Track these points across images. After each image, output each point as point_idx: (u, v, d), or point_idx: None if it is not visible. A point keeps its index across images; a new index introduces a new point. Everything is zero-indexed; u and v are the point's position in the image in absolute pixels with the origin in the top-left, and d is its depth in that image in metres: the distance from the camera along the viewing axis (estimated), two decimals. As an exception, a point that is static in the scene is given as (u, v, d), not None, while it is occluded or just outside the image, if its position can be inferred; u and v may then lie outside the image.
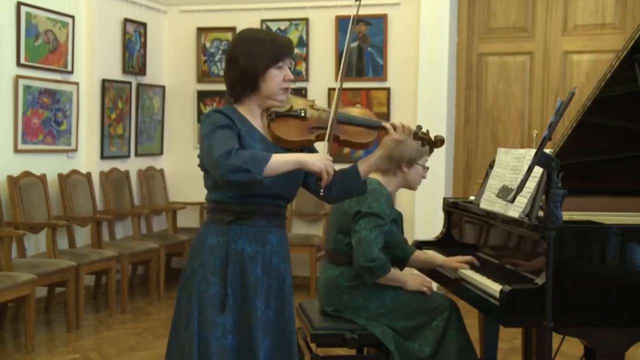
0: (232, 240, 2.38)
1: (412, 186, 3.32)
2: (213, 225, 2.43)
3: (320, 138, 2.44)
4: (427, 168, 3.34)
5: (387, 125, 2.50)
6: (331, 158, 2.34)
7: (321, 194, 2.38)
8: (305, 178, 2.51)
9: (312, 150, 2.54)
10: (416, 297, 3.18)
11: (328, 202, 2.62)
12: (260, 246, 2.41)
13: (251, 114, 2.44)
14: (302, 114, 2.46)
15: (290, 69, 2.47)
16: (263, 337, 2.38)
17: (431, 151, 2.83)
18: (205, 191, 2.49)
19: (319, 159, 2.30)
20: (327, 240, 3.32)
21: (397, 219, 3.26)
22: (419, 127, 2.62)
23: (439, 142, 2.66)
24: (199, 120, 6.64)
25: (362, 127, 2.52)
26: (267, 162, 2.23)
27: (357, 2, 2.58)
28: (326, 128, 2.43)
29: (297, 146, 2.46)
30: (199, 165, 2.42)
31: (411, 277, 3.20)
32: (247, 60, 2.38)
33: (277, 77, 2.40)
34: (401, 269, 3.45)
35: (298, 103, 2.51)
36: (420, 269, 3.58)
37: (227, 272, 2.37)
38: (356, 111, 2.59)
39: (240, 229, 2.39)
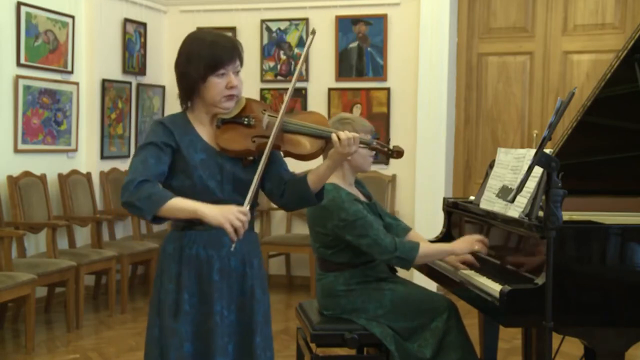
0: (186, 245, 2.35)
1: (362, 169, 3.19)
2: (172, 232, 2.41)
3: (261, 147, 2.32)
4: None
5: (333, 137, 2.34)
6: (245, 210, 2.18)
7: (231, 249, 2.21)
8: (262, 184, 2.43)
9: (274, 155, 2.40)
10: (415, 297, 3.16)
11: (285, 210, 2.56)
12: (216, 250, 2.35)
13: (199, 121, 2.38)
14: (246, 122, 2.36)
15: (238, 72, 2.35)
16: (228, 342, 2.34)
17: (387, 162, 2.65)
18: None
19: (221, 212, 2.15)
20: (312, 250, 3.30)
21: (371, 207, 3.19)
22: (375, 136, 2.50)
23: (395, 153, 2.47)
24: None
25: (307, 137, 2.37)
26: (162, 205, 2.17)
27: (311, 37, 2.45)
28: (269, 137, 2.30)
29: (240, 156, 2.35)
30: None
31: (457, 243, 3.09)
32: (185, 66, 2.33)
33: (218, 86, 2.31)
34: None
35: (249, 108, 2.39)
36: (420, 268, 3.58)
37: (181, 277, 2.34)
38: (309, 118, 2.43)
39: (194, 234, 2.35)
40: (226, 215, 2.15)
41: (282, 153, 2.42)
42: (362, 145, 2.40)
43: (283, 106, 2.31)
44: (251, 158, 2.37)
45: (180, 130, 2.34)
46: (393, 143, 2.52)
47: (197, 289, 2.35)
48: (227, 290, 2.36)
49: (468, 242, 3.09)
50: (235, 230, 2.14)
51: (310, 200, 2.43)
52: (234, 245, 2.19)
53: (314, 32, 2.46)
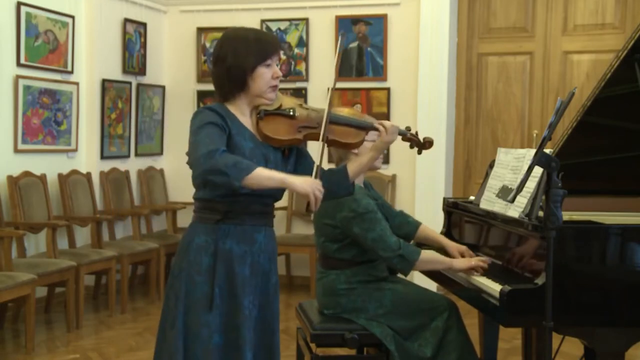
0: (220, 239, 2.38)
1: (374, 166, 3.15)
2: (201, 224, 2.42)
3: (308, 137, 2.44)
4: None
5: (379, 126, 2.50)
6: (319, 182, 2.30)
7: (311, 217, 2.37)
8: (295, 168, 2.52)
9: (301, 150, 2.55)
10: (415, 297, 3.17)
11: None
12: (249, 245, 2.40)
13: (241, 112, 2.44)
14: (291, 113, 2.46)
15: (278, 65, 2.46)
16: (252, 336, 2.39)
17: (419, 152, 2.76)
18: None
19: (307, 182, 2.27)
20: (316, 247, 3.30)
21: (379, 203, 3.21)
22: (408, 128, 2.62)
23: (427, 144, 2.65)
24: (199, 120, 6.63)
25: (351, 127, 2.51)
26: (250, 172, 2.20)
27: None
28: (315, 127, 2.43)
29: (285, 145, 2.45)
30: (187, 163, 2.38)
31: (457, 260, 3.09)
32: (234, 59, 2.37)
33: (265, 75, 2.39)
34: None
35: (287, 102, 2.50)
36: (422, 271, 3.58)
37: (215, 271, 2.36)
38: (345, 111, 2.59)
39: (228, 228, 2.39)
40: (312, 185, 2.25)
41: (327, 143, 2.49)
42: (399, 135, 2.56)
43: (329, 98, 2.44)
44: (287, 150, 2.49)
45: (229, 117, 2.39)
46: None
47: (227, 283, 2.38)
48: (255, 285, 2.41)
49: (467, 261, 3.08)
50: (316, 201, 2.26)
51: (345, 191, 2.55)
52: (312, 215, 2.32)
53: (343, 35, 2.65)
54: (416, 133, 2.66)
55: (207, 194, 2.39)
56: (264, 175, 2.23)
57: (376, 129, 2.56)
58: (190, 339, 2.36)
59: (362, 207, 3.02)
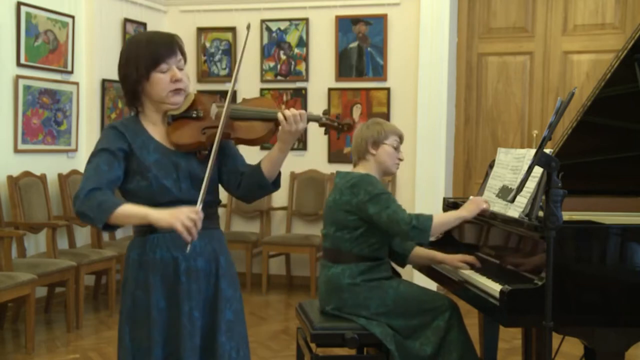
0: (149, 250, 2.31)
1: (388, 169, 3.28)
2: (135, 237, 2.38)
3: (211, 138, 2.31)
4: (398, 149, 3.27)
5: (279, 115, 2.33)
6: (197, 209, 2.13)
7: (185, 251, 2.16)
8: (220, 178, 2.44)
9: (225, 150, 2.41)
10: (417, 296, 3.18)
11: (242, 200, 2.52)
12: (180, 251, 2.29)
13: (151, 121, 2.37)
14: (194, 115, 2.34)
15: (182, 67, 2.33)
16: (195, 343, 2.31)
17: (338, 137, 2.63)
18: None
19: (171, 215, 2.11)
20: (324, 240, 3.31)
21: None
22: (325, 112, 2.45)
23: (345, 126, 2.45)
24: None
25: (254, 121, 2.37)
26: (112, 212, 2.15)
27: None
28: (217, 126, 2.30)
29: (193, 149, 2.34)
30: None
31: (467, 206, 3.10)
32: (126, 67, 2.31)
33: (162, 81, 2.28)
34: (402, 266, 3.46)
35: (199, 102, 2.38)
36: (420, 268, 3.59)
37: (149, 284, 2.31)
38: (257, 103, 2.43)
39: (156, 238, 2.32)
40: (176, 215, 2.11)
41: (233, 141, 2.42)
42: (310, 121, 2.39)
43: (229, 94, 2.31)
44: (205, 152, 2.36)
45: (132, 133, 2.32)
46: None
47: (164, 292, 2.31)
48: (196, 290, 2.33)
49: (476, 204, 3.08)
50: (189, 231, 2.09)
51: (266, 188, 2.42)
52: (188, 247, 2.13)
53: (248, 27, 2.43)
54: (337, 116, 2.47)
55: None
56: (126, 214, 2.16)
57: (277, 120, 2.36)
58: (137, 355, 2.32)
59: (378, 189, 3.09)
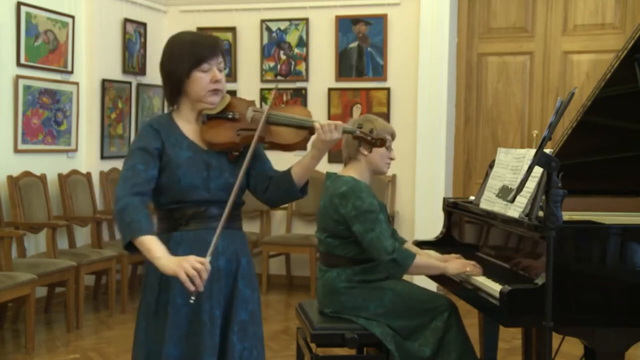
0: (172, 248, 2.32)
1: (379, 170, 3.23)
2: (158, 235, 2.36)
3: (245, 140, 2.36)
4: (390, 149, 3.22)
5: (315, 124, 2.39)
6: (204, 261, 2.15)
7: (191, 301, 2.19)
8: (247, 182, 2.46)
9: (256, 154, 2.44)
10: (416, 297, 3.17)
11: (268, 205, 2.55)
12: (203, 250, 2.28)
13: (186, 119, 2.41)
14: (231, 116, 2.40)
15: (221, 69, 2.40)
16: (214, 341, 2.32)
17: (370, 151, 2.66)
18: None
19: (176, 263, 2.14)
20: (318, 243, 3.30)
21: (381, 207, 3.20)
22: (359, 126, 2.50)
23: (378, 142, 2.51)
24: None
25: (290, 128, 2.42)
26: (136, 237, 2.21)
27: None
28: (253, 129, 2.36)
29: (225, 149, 2.38)
30: None
31: (450, 263, 3.09)
32: (169, 64, 2.37)
33: (202, 80, 2.35)
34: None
35: (233, 105, 2.44)
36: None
37: (169, 281, 2.32)
38: (292, 110, 2.49)
39: (180, 236, 2.35)
40: (181, 264, 2.14)
41: (266, 145, 2.45)
42: (345, 134, 2.44)
43: (269, 101, 2.35)
44: (236, 153, 2.41)
45: (166, 130, 2.37)
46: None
47: (185, 290, 2.30)
48: (217, 290, 2.35)
49: (461, 265, 3.07)
50: (192, 280, 2.12)
51: (294, 194, 2.46)
52: (192, 297, 2.15)
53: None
54: (370, 131, 2.52)
55: (157, 200, 2.37)
56: (144, 246, 2.22)
57: (312, 130, 2.43)
58: (152, 350, 2.34)
59: (365, 206, 3.03)
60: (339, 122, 2.40)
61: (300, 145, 2.43)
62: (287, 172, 2.45)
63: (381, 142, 2.51)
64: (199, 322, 2.32)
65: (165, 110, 7.69)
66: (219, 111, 2.41)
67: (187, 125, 2.41)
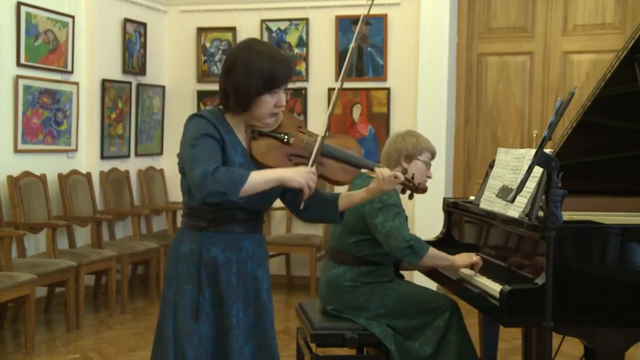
0: (204, 247, 2.34)
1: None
2: (187, 232, 2.40)
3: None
4: (430, 165, 3.30)
5: (377, 173, 2.44)
6: (314, 171, 2.29)
7: (300, 208, 2.33)
8: (283, 193, 2.47)
9: None
10: (417, 296, 3.18)
11: (302, 219, 2.58)
12: (235, 253, 2.36)
13: (236, 125, 2.39)
14: (285, 139, 2.37)
15: (286, 92, 2.41)
16: (243, 344, 2.35)
17: (410, 197, 2.71)
18: None
19: (300, 174, 2.26)
20: (330, 239, 3.31)
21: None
22: (404, 171, 2.54)
23: (421, 190, 2.58)
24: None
25: (344, 164, 2.43)
26: (245, 182, 2.19)
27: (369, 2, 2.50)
28: (306, 158, 2.35)
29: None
30: (179, 171, 2.38)
31: (458, 256, 3.15)
32: (243, 78, 2.29)
33: (269, 104, 2.32)
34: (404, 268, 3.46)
35: (286, 123, 2.41)
36: (420, 268, 3.59)
37: (200, 279, 2.34)
38: (346, 144, 2.50)
39: (213, 236, 2.36)
40: (304, 176, 2.27)
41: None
42: (398, 185, 2.53)
43: (324, 130, 2.36)
44: None
45: (222, 127, 2.33)
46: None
47: (215, 291, 2.36)
48: (243, 293, 2.38)
49: (469, 257, 3.13)
50: (310, 190, 2.27)
51: (333, 220, 2.56)
52: (302, 204, 2.32)
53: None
54: (412, 177, 2.56)
55: (193, 201, 2.36)
56: (259, 181, 2.22)
57: (372, 170, 2.50)
58: (181, 347, 2.34)
59: (392, 200, 3.08)
60: (399, 174, 2.47)
61: (347, 184, 2.51)
62: (333, 201, 2.51)
63: (422, 191, 2.58)
64: (228, 325, 2.34)
65: (166, 110, 7.62)
66: (272, 130, 2.38)
67: (237, 131, 2.38)
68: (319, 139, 2.36)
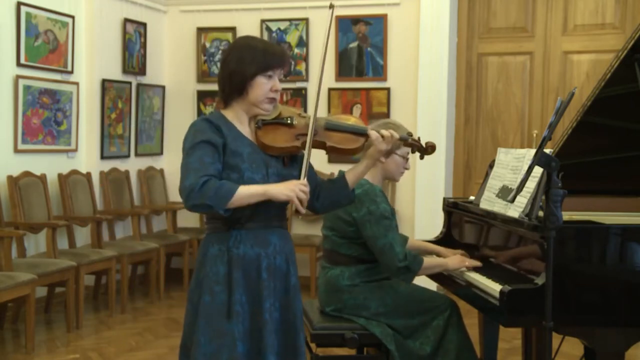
0: (233, 246, 2.37)
1: (392, 177, 3.29)
2: (213, 234, 2.43)
3: (305, 145, 2.44)
4: (407, 159, 3.28)
5: (372, 133, 2.50)
6: (305, 182, 2.33)
7: (299, 218, 2.40)
8: None
9: (296, 156, 2.52)
10: (417, 296, 3.18)
11: (317, 212, 2.62)
12: (263, 248, 2.40)
13: (239, 119, 2.45)
14: (289, 121, 2.47)
15: (281, 79, 2.47)
16: (274, 339, 2.37)
17: (422, 157, 2.76)
18: None
19: (287, 188, 2.30)
20: (324, 241, 3.31)
21: (392, 213, 3.23)
22: (409, 134, 2.62)
23: (429, 148, 2.67)
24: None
25: (348, 134, 2.52)
26: (231, 197, 2.24)
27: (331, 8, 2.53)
28: (313, 135, 2.44)
29: (285, 153, 2.46)
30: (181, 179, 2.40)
31: (450, 259, 3.21)
32: (237, 64, 2.40)
33: (264, 86, 2.40)
34: None
35: (286, 111, 2.52)
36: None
37: (231, 278, 2.36)
38: (343, 118, 2.60)
39: (239, 234, 2.39)
40: (292, 189, 2.29)
41: (326, 150, 2.53)
42: (399, 142, 2.57)
43: (316, 107, 2.46)
44: (288, 159, 2.50)
45: (224, 126, 2.40)
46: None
47: (247, 288, 2.37)
48: (274, 288, 2.40)
49: (461, 260, 3.18)
50: (301, 202, 2.29)
51: (346, 200, 2.58)
52: (302, 212, 2.32)
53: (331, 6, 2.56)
54: (418, 139, 2.65)
55: None
56: (245, 195, 2.27)
57: (368, 137, 2.54)
58: (213, 350, 2.33)
59: (379, 211, 3.06)
60: (395, 134, 2.52)
61: (359, 150, 2.53)
62: (341, 179, 2.57)
63: (431, 149, 2.63)
64: (261, 321, 2.36)
65: (166, 110, 7.66)
66: (273, 117, 2.47)
67: (240, 126, 2.45)
68: (311, 122, 2.45)
